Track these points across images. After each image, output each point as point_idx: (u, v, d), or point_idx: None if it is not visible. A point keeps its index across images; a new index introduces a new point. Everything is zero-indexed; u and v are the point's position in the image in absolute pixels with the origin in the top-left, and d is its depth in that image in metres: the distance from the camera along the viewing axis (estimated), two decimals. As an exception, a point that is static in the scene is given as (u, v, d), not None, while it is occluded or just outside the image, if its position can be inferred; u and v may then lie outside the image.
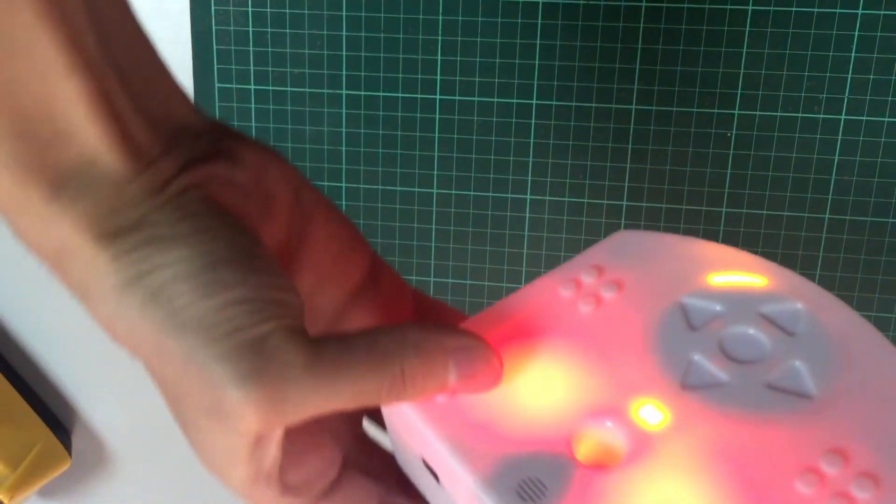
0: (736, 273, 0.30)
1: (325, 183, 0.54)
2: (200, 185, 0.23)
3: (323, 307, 0.28)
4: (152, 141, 0.23)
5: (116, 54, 0.22)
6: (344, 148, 0.54)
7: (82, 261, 0.22)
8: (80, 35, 0.21)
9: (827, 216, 0.51)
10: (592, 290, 0.30)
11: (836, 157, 0.50)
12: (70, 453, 0.61)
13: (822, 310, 0.28)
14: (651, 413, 0.27)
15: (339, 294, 0.29)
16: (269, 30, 0.52)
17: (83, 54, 0.21)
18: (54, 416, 0.61)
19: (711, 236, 0.52)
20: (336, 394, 0.22)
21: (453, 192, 0.54)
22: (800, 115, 0.50)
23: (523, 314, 0.29)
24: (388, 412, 0.28)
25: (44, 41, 0.20)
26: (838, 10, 0.48)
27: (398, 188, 0.54)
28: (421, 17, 0.51)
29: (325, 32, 0.52)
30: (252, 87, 0.53)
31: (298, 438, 0.26)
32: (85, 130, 0.21)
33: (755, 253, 0.52)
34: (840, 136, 0.50)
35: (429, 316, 0.32)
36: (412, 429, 0.27)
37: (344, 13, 0.51)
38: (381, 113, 0.53)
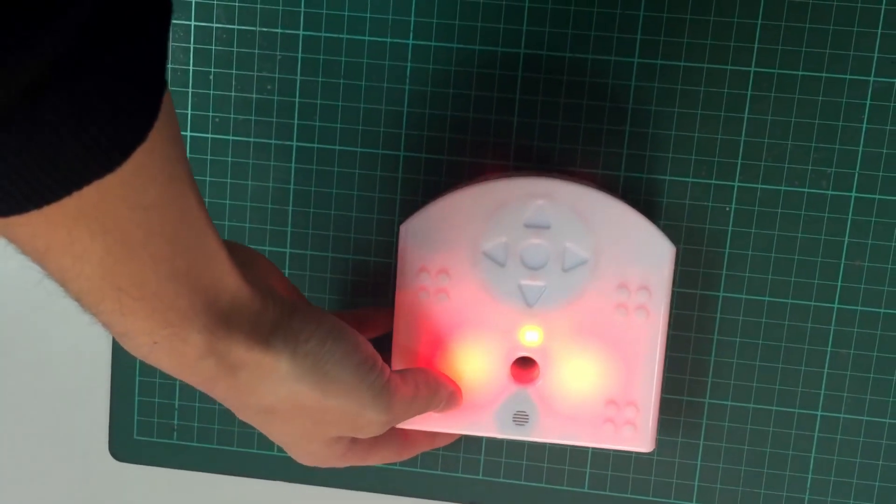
0: (496, 204, 0.40)
1: (267, 248, 0.47)
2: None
3: None
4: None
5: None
6: (291, 208, 0.47)
7: (257, 366, 0.33)
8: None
9: (836, 305, 0.45)
10: (436, 288, 0.41)
11: (846, 239, 0.45)
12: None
13: (555, 197, 0.40)
14: (531, 335, 0.41)
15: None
16: (212, 70, 0.46)
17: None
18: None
19: (707, 322, 0.46)
20: (408, 416, 0.39)
21: (414, 263, 0.47)
22: (806, 189, 0.44)
23: (418, 333, 0.41)
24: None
25: (209, 236, 0.30)
26: (848, 77, 0.43)
27: (350, 256, 0.47)
28: (387, 63, 0.45)
29: (276, 75, 0.46)
30: (188, 133, 0.47)
31: None
32: (232, 285, 0.31)
33: (756, 344, 0.46)
34: (850, 216, 0.44)
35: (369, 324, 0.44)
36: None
37: (300, 55, 0.45)
38: (335, 169, 0.46)
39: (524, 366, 0.42)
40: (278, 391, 0.33)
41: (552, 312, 0.41)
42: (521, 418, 0.42)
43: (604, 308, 0.41)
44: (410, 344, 0.41)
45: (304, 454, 0.39)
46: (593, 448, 0.47)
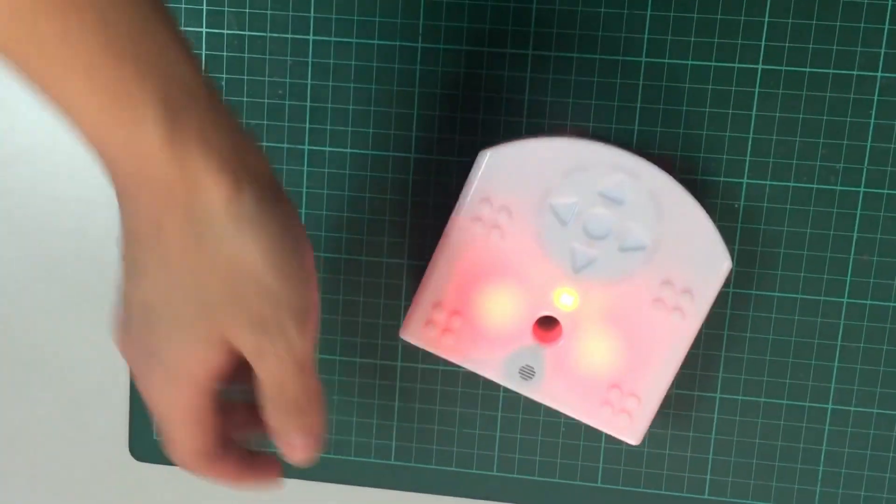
0: (580, 164, 0.40)
1: (281, 250, 0.48)
2: None
3: None
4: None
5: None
6: (304, 210, 0.48)
7: (215, 189, 0.30)
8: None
9: (845, 300, 0.45)
10: (493, 223, 0.41)
11: (855, 234, 0.45)
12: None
13: (639, 176, 0.40)
14: (566, 298, 0.42)
15: None
16: (223, 76, 0.47)
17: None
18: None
19: (718, 318, 0.46)
20: (300, 382, 0.35)
21: (427, 261, 0.47)
22: (815, 185, 0.45)
23: (460, 260, 0.42)
24: None
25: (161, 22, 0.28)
26: (856, 73, 0.43)
27: (363, 258, 0.48)
28: (396, 66, 0.46)
29: (287, 80, 0.46)
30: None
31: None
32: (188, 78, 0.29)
33: (766, 339, 0.46)
34: (859, 211, 0.45)
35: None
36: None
37: (310, 59, 0.46)
38: (347, 172, 0.47)
39: (547, 325, 0.43)
40: (224, 235, 0.30)
41: (594, 284, 0.41)
42: (527, 372, 0.42)
43: (644, 298, 0.41)
44: (449, 268, 0.41)
45: (167, 373, 0.33)
46: (584, 423, 0.47)
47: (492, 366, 0.42)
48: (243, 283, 0.31)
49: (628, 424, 0.43)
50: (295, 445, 0.36)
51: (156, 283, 0.31)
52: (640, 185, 0.40)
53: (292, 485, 0.51)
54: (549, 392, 0.43)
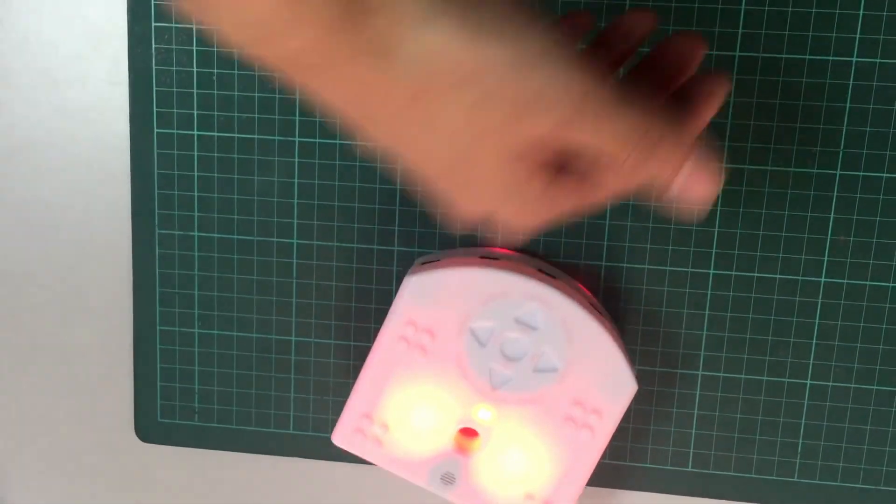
0: (497, 292, 0.43)
1: (275, 239, 0.49)
2: None
3: None
4: None
5: None
6: (296, 200, 0.49)
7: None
8: None
9: (823, 279, 0.47)
10: (417, 342, 0.44)
11: (832, 215, 0.46)
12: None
13: (551, 305, 0.43)
14: (484, 413, 0.45)
15: None
16: (215, 70, 0.48)
17: None
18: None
19: (699, 298, 0.47)
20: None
21: (415, 249, 0.49)
22: (792, 169, 0.46)
23: (386, 375, 0.45)
24: None
25: None
26: (831, 58, 0.44)
27: (355, 245, 0.49)
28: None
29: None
30: (195, 132, 0.49)
31: None
32: None
33: (745, 318, 0.47)
34: (835, 193, 0.46)
35: None
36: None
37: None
38: (337, 162, 0.48)
39: (468, 436, 0.46)
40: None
41: (510, 401, 0.44)
42: (448, 479, 0.46)
43: (556, 415, 0.44)
44: (376, 383, 0.45)
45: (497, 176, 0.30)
46: None
47: (416, 472, 0.46)
48: None
49: None
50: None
51: None
52: (552, 312, 0.43)
53: (293, 464, 0.53)
54: (467, 498, 0.46)
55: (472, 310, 0.44)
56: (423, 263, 0.45)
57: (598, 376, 0.44)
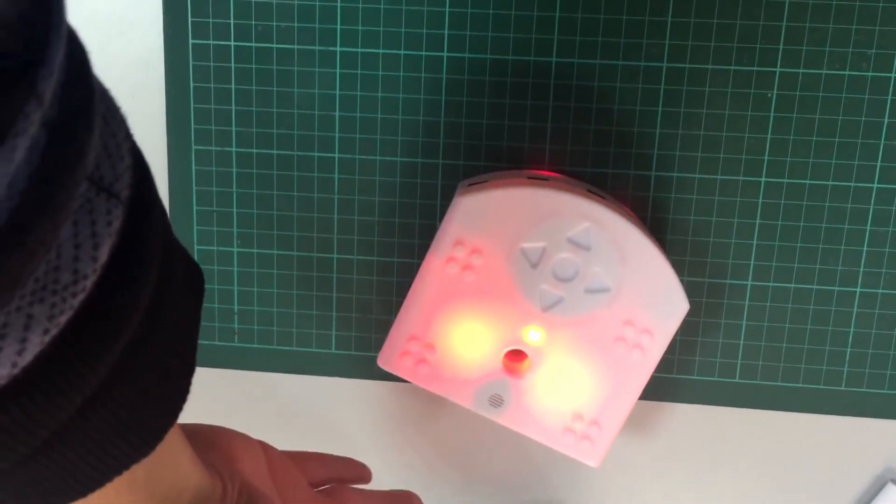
0: (549, 212, 0.42)
1: (315, 153, 0.48)
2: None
3: None
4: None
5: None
6: (338, 113, 0.48)
7: None
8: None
9: (875, 185, 0.46)
10: (465, 263, 0.43)
11: (886, 119, 0.45)
12: None
13: (604, 225, 0.42)
14: (534, 334, 0.44)
15: None
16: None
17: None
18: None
19: (750, 207, 0.47)
20: None
21: (461, 162, 0.48)
22: (847, 72, 0.45)
23: (434, 297, 0.44)
24: None
25: (177, 440, 0.30)
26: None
27: (398, 158, 0.48)
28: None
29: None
30: (232, 43, 0.47)
31: None
32: (194, 480, 0.32)
33: (796, 227, 0.47)
34: (890, 97, 0.45)
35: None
36: None
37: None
38: (380, 73, 0.47)
39: (516, 358, 0.45)
40: None
41: (560, 322, 0.44)
42: (496, 401, 0.45)
43: (606, 335, 0.44)
44: (423, 305, 0.44)
45: None
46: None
47: (463, 395, 0.45)
48: None
49: (590, 449, 0.45)
50: None
51: None
52: (605, 232, 0.42)
53: (334, 383, 0.52)
54: (515, 420, 0.45)
55: (523, 230, 0.43)
56: (470, 185, 0.44)
57: (649, 296, 0.43)
